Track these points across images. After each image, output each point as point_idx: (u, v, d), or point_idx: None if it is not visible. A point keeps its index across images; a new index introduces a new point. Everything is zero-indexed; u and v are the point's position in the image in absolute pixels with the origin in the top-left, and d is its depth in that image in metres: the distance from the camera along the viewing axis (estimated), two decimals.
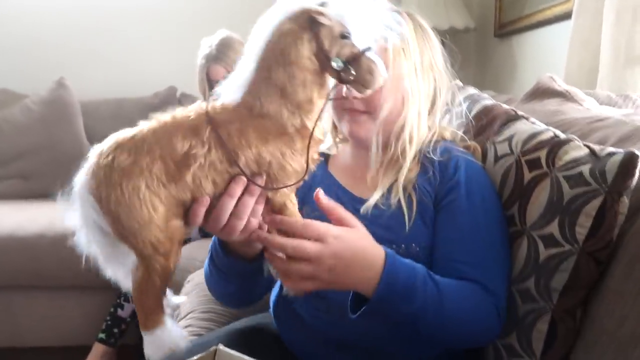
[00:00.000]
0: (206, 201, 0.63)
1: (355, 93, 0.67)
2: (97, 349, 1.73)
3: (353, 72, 0.63)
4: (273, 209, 0.68)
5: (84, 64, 2.59)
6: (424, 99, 0.87)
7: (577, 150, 0.77)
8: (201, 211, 0.64)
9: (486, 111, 0.99)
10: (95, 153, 0.63)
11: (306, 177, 0.66)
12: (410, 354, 0.81)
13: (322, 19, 0.61)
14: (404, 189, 0.82)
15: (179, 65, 2.30)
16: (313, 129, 0.65)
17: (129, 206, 0.60)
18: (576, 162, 0.75)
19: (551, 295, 0.74)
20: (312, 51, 0.62)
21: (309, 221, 0.67)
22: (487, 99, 1.04)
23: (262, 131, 0.62)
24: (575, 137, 0.80)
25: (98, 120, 2.43)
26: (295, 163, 0.64)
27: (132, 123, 2.36)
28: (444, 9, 2.43)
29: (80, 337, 1.83)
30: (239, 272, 0.80)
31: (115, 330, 1.74)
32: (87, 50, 2.60)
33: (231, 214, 0.65)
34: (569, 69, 1.60)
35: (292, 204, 0.69)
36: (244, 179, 0.63)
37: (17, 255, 1.77)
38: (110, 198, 0.60)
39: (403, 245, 0.79)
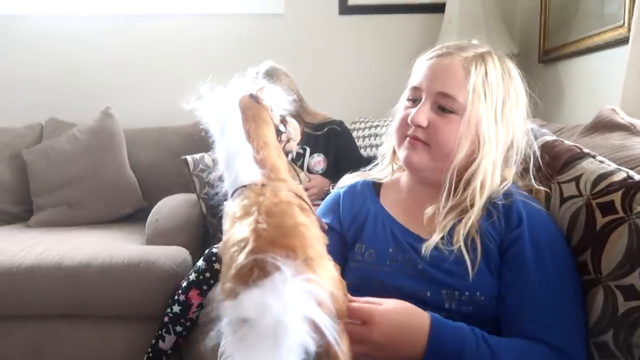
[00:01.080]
0: None
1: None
2: None
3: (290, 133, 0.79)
4: None
5: (128, 95, 2.65)
6: (501, 149, 0.84)
7: None
8: None
9: (548, 148, 0.95)
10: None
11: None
12: None
13: (264, 101, 0.73)
14: (468, 233, 0.78)
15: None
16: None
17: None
18: None
19: (632, 351, 0.69)
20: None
21: (354, 306, 0.66)
22: (547, 135, 1.00)
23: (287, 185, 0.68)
24: None
25: (141, 148, 2.48)
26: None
27: (172, 151, 2.39)
28: (486, 34, 2.39)
29: None
30: None
31: None
32: (131, 82, 2.67)
33: None
34: (625, 98, 1.53)
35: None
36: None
37: (62, 285, 1.79)
38: None
39: (467, 293, 0.75)
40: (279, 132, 0.70)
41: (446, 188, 0.81)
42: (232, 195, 0.63)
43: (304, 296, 0.47)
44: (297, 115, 1.94)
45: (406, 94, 0.89)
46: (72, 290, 1.79)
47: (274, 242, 0.51)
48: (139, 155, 2.47)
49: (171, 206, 2.14)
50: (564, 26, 2.20)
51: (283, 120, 0.73)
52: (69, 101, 2.65)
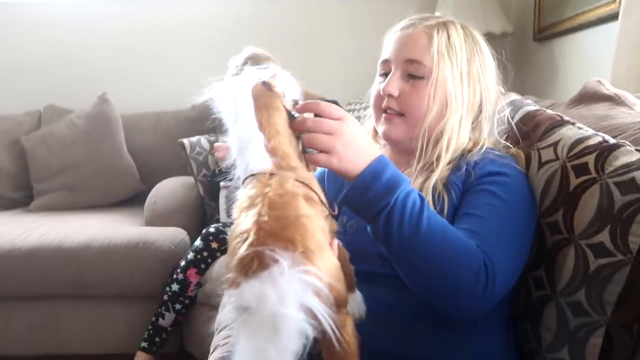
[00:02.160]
0: None
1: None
2: (139, 358, 1.76)
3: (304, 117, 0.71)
4: None
5: (125, 80, 2.67)
6: (468, 108, 0.86)
7: (628, 155, 0.73)
8: None
9: (530, 117, 0.96)
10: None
11: None
12: None
13: (276, 88, 0.69)
14: (434, 188, 0.80)
15: (215, 79, 2.34)
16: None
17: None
18: (628, 167, 0.72)
19: (605, 308, 0.71)
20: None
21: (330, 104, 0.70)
22: (530, 105, 1.01)
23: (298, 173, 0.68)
24: (627, 142, 0.77)
25: (138, 133, 2.50)
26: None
27: (170, 135, 2.40)
28: (481, 13, 2.39)
29: (123, 346, 1.87)
30: None
31: (157, 339, 1.77)
32: (128, 67, 2.68)
33: None
34: (616, 73, 1.53)
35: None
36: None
37: (63, 266, 1.83)
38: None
39: None
40: (291, 118, 0.69)
41: (418, 149, 0.84)
42: (243, 183, 0.64)
43: (301, 287, 0.50)
44: None
45: (378, 69, 0.92)
46: (73, 271, 1.83)
47: (275, 234, 0.53)
48: (137, 140, 2.49)
49: (169, 189, 2.17)
50: (558, 4, 2.20)
51: (296, 106, 0.72)
52: (66, 87, 2.66)
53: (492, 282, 0.69)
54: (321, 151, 0.68)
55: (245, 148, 0.65)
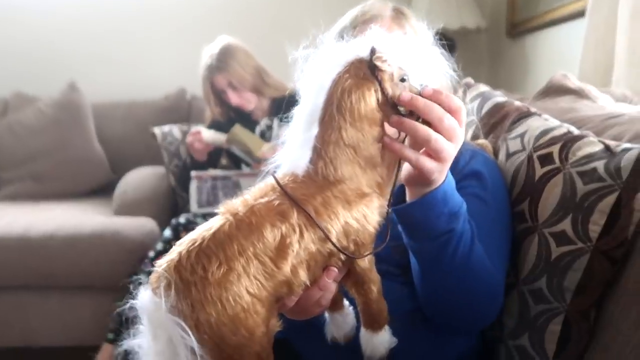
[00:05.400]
0: (299, 293, 0.58)
1: None
2: (107, 349, 1.73)
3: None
4: (356, 279, 0.62)
5: (95, 67, 2.60)
6: None
7: (591, 145, 0.75)
8: (293, 302, 0.60)
9: (497, 108, 0.97)
10: (169, 265, 0.53)
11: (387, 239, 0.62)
12: (424, 357, 0.79)
13: (384, 66, 0.56)
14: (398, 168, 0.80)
15: (189, 68, 2.31)
16: (394, 184, 0.62)
17: (233, 321, 0.52)
18: (590, 157, 0.73)
19: (564, 295, 0.72)
20: (377, 102, 0.58)
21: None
22: (498, 96, 1.02)
23: (342, 198, 0.56)
24: (590, 133, 0.78)
25: (109, 122, 2.45)
26: (375, 223, 0.59)
27: (142, 125, 2.35)
28: (456, 8, 2.41)
29: (89, 337, 1.83)
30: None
31: (123, 330, 1.74)
32: (98, 53, 2.62)
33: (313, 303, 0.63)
34: (583, 68, 1.56)
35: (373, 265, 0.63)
36: (336, 269, 0.59)
37: (28, 256, 1.78)
38: (211, 319, 0.51)
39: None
40: (398, 113, 0.58)
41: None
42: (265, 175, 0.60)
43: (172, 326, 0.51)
44: (257, 91, 1.93)
45: None
46: (38, 261, 1.78)
47: (193, 263, 0.52)
48: (108, 129, 2.44)
49: (139, 178, 2.13)
50: (530, 1, 2.23)
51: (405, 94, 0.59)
52: (34, 74, 2.58)
53: (501, 295, 0.74)
54: (429, 154, 0.60)
55: (292, 141, 0.60)
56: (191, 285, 0.51)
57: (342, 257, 0.59)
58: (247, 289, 0.52)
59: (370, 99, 0.57)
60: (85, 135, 2.35)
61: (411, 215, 0.66)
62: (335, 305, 0.68)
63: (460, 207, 0.67)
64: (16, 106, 2.45)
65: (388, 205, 0.61)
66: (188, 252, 0.53)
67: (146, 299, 0.52)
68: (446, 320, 0.76)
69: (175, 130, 2.20)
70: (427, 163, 0.59)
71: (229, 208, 0.56)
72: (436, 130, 0.58)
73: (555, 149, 0.78)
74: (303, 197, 0.56)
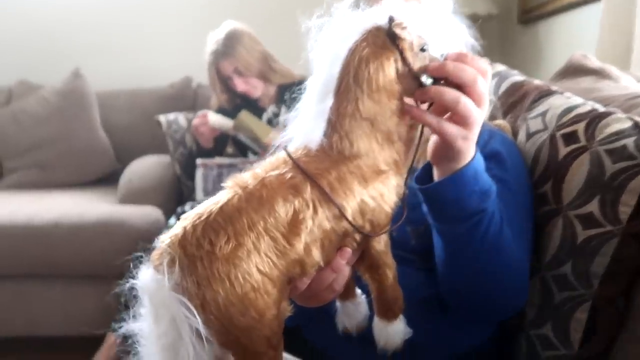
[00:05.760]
0: (311, 274, 0.54)
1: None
2: (111, 339, 1.70)
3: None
4: (371, 262, 0.58)
5: (100, 55, 2.57)
6: None
7: (620, 122, 0.70)
8: (305, 285, 0.55)
9: (516, 87, 0.93)
10: (173, 240, 0.49)
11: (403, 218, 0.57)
12: (440, 347, 0.75)
13: (404, 34, 0.52)
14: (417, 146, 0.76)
15: (194, 56, 2.26)
16: (413, 160, 0.58)
17: (242, 301, 0.48)
18: (619, 135, 0.68)
19: (591, 281, 0.68)
20: (397, 73, 0.53)
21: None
22: (516, 75, 0.98)
23: (358, 174, 0.52)
24: (618, 110, 0.74)
25: (114, 111, 2.41)
26: (392, 202, 0.55)
27: (147, 114, 2.31)
28: None
29: (93, 327, 1.80)
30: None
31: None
32: (103, 42, 2.58)
33: (326, 287, 0.58)
34: (600, 52, 1.51)
35: (389, 249, 0.59)
36: (350, 250, 0.55)
37: (32, 244, 1.76)
38: (218, 298, 0.47)
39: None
40: (420, 85, 0.53)
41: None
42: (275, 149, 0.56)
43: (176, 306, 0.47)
44: (264, 77, 1.89)
45: None
46: (42, 250, 1.76)
47: (200, 237, 0.48)
48: (113, 118, 2.41)
49: (144, 167, 2.10)
50: None
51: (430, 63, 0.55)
52: (38, 62, 2.56)
53: (527, 282, 0.71)
54: (455, 120, 0.56)
55: (306, 112, 0.56)
56: (197, 261, 0.47)
57: (357, 237, 0.55)
58: (258, 267, 0.48)
59: (390, 69, 0.53)
60: (90, 123, 2.32)
61: (441, 194, 0.62)
62: (347, 292, 0.64)
63: (490, 186, 0.63)
64: (20, 95, 2.43)
65: (405, 185, 0.57)
66: (193, 226, 0.49)
67: (147, 277, 0.48)
68: (470, 308, 0.72)
69: (180, 118, 2.17)
70: (451, 128, 0.55)
71: (237, 181, 0.52)
72: (466, 94, 0.54)
73: (580, 127, 0.74)
74: (317, 172, 0.52)
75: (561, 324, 0.71)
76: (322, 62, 0.56)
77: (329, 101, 0.54)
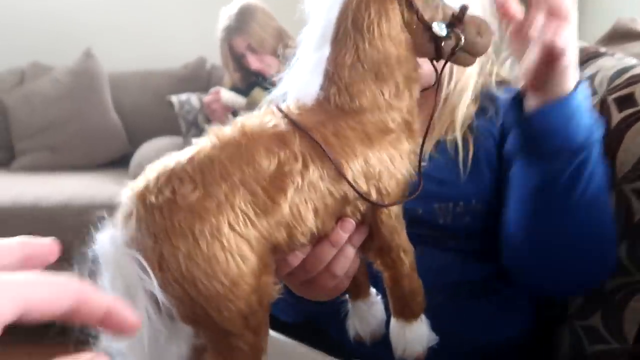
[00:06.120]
0: (304, 246, 0.45)
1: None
2: None
3: (462, 38, 0.47)
4: (381, 243, 0.48)
5: (112, 36, 2.52)
6: None
7: None
8: (298, 260, 0.47)
9: None
10: (133, 192, 0.42)
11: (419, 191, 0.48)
12: (469, 339, 0.66)
13: None
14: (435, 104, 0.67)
15: (208, 36, 2.20)
16: (431, 122, 0.50)
17: (209, 262, 0.39)
18: None
19: None
20: (403, 20, 0.47)
21: None
22: None
23: (361, 130, 0.45)
24: None
25: (126, 92, 2.37)
26: (404, 169, 0.47)
27: (160, 96, 2.24)
28: None
29: None
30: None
31: None
32: (115, 22, 2.53)
33: (323, 270, 0.48)
34: None
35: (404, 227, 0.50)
36: (353, 221, 0.46)
37: (41, 226, 1.72)
38: (178, 254, 0.39)
39: (461, 203, 0.65)
40: (435, 39, 0.47)
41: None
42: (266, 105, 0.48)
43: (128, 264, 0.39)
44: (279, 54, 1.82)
45: None
46: (51, 232, 1.70)
47: (162, 186, 0.41)
48: (125, 99, 2.37)
49: (156, 149, 2.04)
50: None
51: (455, 17, 0.47)
52: (51, 44, 2.51)
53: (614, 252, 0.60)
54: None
55: (308, 60, 0.49)
56: (154, 211, 0.39)
57: (362, 207, 0.46)
58: (230, 222, 0.39)
59: (393, 14, 0.46)
60: (102, 104, 2.28)
61: (546, 121, 0.54)
62: (358, 289, 0.55)
63: (596, 120, 0.55)
64: (33, 76, 2.40)
65: (421, 153, 0.48)
66: (157, 177, 0.41)
67: (103, 235, 0.41)
68: (545, 276, 0.60)
69: (193, 98, 2.10)
70: (563, 33, 0.49)
71: (215, 131, 0.44)
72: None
73: (637, 89, 0.64)
74: (310, 125, 0.44)
75: (613, 314, 0.61)
76: (319, 7, 0.49)
77: (327, 50, 0.47)
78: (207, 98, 1.82)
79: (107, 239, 0.40)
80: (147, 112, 2.34)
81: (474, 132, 0.67)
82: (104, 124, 2.26)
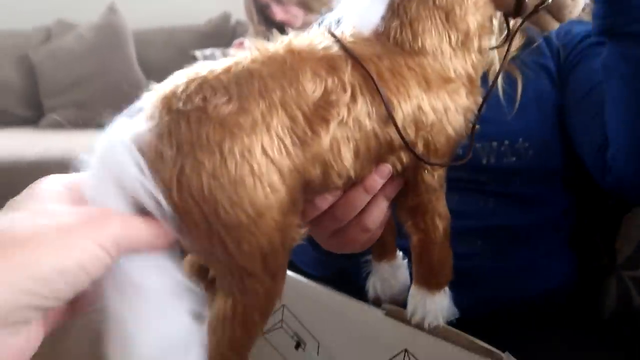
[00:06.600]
0: (336, 189, 0.41)
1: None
2: None
3: None
4: (416, 203, 0.43)
5: None
6: None
7: None
8: (327, 203, 0.42)
9: None
10: (158, 95, 0.36)
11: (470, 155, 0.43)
12: (508, 288, 0.62)
13: None
14: (502, 66, 0.61)
15: None
16: (494, 83, 0.45)
17: (234, 184, 0.33)
18: None
19: None
20: None
21: None
22: None
23: (420, 74, 0.40)
24: None
25: (150, 49, 2.35)
26: (457, 124, 0.41)
27: (184, 52, 2.18)
28: None
29: None
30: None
31: None
32: None
33: (354, 222, 0.44)
34: None
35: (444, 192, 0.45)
36: (389, 168, 0.41)
37: None
38: (202, 171, 0.33)
39: (506, 142, 0.60)
40: None
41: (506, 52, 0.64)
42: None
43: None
44: (305, 5, 1.75)
45: None
46: None
47: (192, 93, 0.35)
48: (149, 56, 2.34)
49: None
50: None
51: None
52: (76, 1, 2.50)
53: None
54: None
55: None
56: (180, 119, 0.33)
57: (404, 157, 0.40)
58: (263, 146, 0.34)
59: None
60: (126, 59, 2.26)
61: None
62: (383, 249, 0.50)
63: None
64: (59, 33, 2.40)
65: (478, 115, 0.43)
66: (187, 82, 0.36)
67: (116, 139, 0.34)
68: None
69: (217, 54, 2.06)
70: None
71: (258, 45, 0.38)
72: None
73: None
74: (364, 55, 0.38)
75: None
76: None
77: None
78: (231, 50, 1.77)
79: (107, 139, 0.34)
80: (172, 68, 2.29)
81: (521, 67, 0.61)
82: (128, 79, 2.25)
